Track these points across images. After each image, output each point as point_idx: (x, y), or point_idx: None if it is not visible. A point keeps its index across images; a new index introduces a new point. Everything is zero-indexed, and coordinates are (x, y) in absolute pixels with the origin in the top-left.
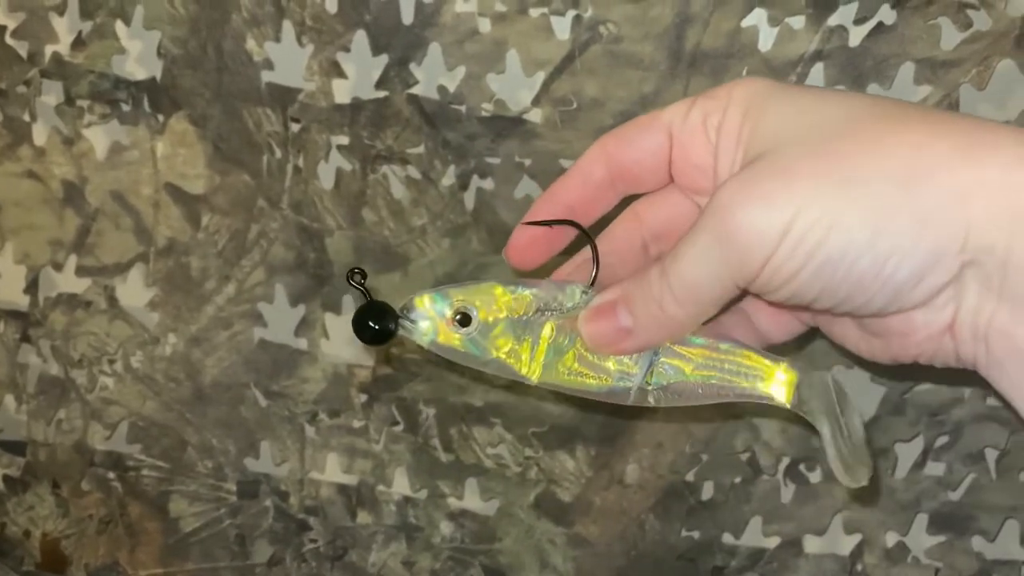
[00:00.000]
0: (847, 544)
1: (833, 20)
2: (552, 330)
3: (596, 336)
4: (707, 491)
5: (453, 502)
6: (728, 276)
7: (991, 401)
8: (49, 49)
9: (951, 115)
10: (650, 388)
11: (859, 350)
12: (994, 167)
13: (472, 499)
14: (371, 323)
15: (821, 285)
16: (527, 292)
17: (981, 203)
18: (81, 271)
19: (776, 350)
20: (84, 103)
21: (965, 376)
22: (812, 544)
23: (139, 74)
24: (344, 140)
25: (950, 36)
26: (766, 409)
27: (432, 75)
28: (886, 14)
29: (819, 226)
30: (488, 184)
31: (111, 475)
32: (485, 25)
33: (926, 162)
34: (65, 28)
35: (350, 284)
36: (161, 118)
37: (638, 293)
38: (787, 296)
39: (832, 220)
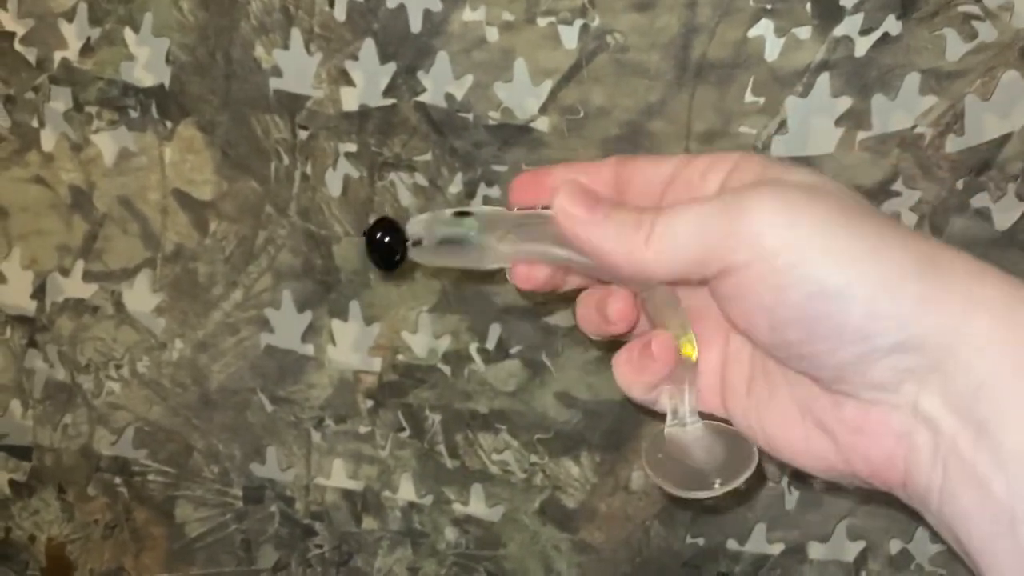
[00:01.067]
0: (851, 551)
1: (839, 30)
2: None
3: (568, 201)
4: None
5: (458, 508)
6: (710, 250)
7: None
8: (58, 55)
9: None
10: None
11: (795, 451)
12: (1001, 298)
13: (477, 505)
14: (381, 236)
15: (778, 315)
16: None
17: (984, 319)
18: (88, 276)
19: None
20: (92, 109)
21: None
22: (816, 551)
23: (147, 80)
24: (352, 147)
25: (955, 47)
26: None
27: (440, 83)
28: (892, 25)
29: (812, 263)
30: (495, 192)
31: (117, 480)
32: (493, 34)
33: (946, 257)
34: (74, 34)
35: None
36: (169, 124)
37: (626, 212)
38: (740, 312)
39: (830, 264)
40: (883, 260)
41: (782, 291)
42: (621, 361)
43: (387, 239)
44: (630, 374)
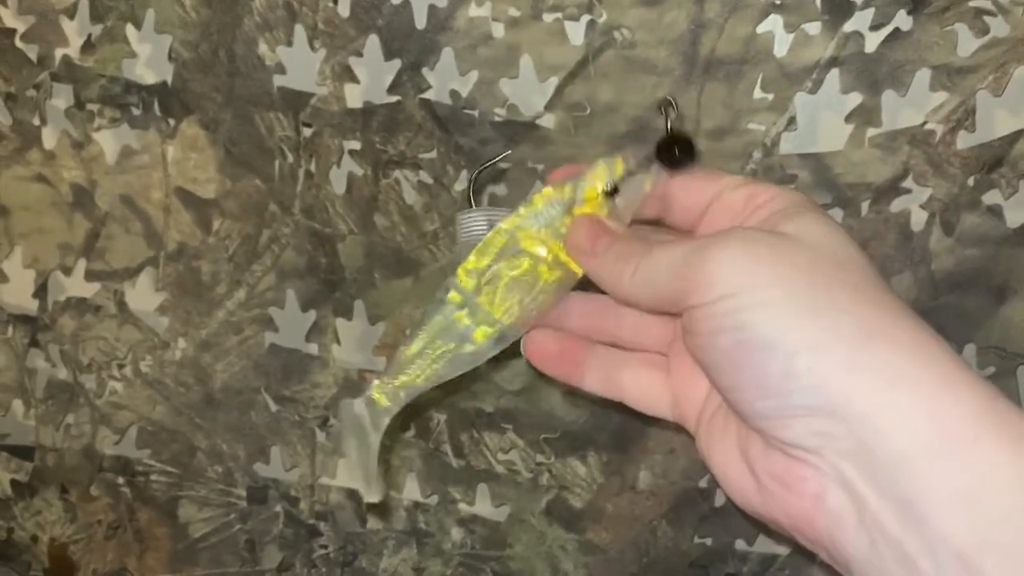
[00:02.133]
0: None
1: (849, 26)
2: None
3: (576, 235)
4: (720, 498)
5: (464, 508)
6: (675, 291)
7: None
8: (59, 52)
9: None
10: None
11: (731, 487)
12: (932, 375)
13: (483, 505)
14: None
15: (711, 356)
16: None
17: (906, 394)
18: (90, 275)
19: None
20: (94, 107)
21: None
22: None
23: (149, 78)
24: (356, 145)
25: (967, 42)
26: None
27: (445, 80)
28: (902, 20)
29: (750, 312)
30: (501, 190)
31: (120, 480)
32: (499, 30)
33: (894, 329)
34: (75, 31)
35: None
36: (172, 122)
37: (624, 244)
38: (692, 349)
39: (767, 316)
40: (821, 321)
41: (716, 334)
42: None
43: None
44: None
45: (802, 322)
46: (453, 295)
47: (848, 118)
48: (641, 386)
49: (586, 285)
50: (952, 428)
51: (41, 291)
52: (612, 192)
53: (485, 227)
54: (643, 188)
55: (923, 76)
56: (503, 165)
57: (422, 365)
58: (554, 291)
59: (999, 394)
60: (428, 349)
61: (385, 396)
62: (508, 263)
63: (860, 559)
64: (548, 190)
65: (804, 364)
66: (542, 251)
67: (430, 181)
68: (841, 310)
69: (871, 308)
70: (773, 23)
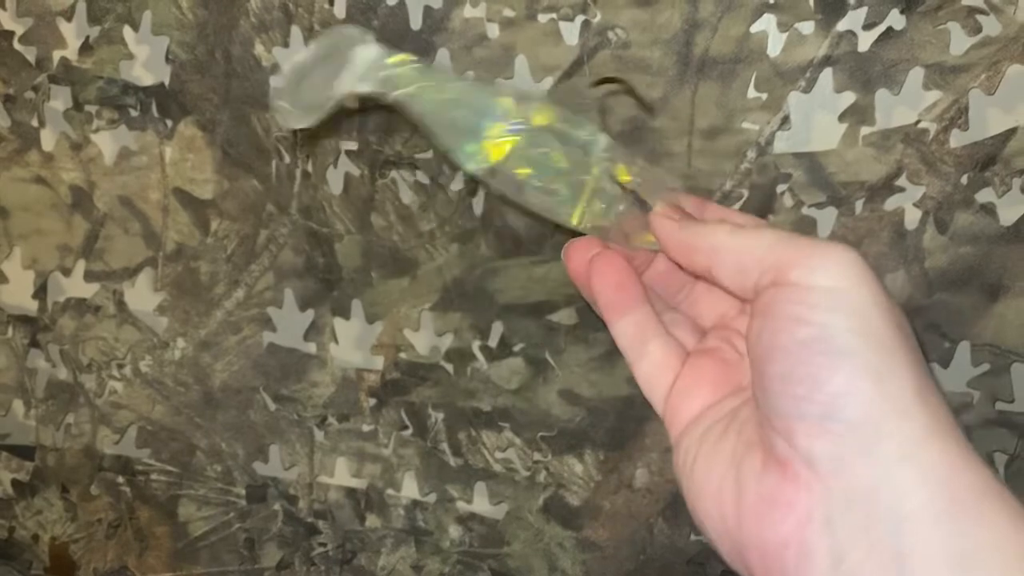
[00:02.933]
0: None
1: (842, 25)
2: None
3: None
4: None
5: (462, 506)
6: (775, 258)
7: (1000, 406)
8: (57, 54)
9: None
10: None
11: (700, 494)
12: (964, 449)
13: (481, 503)
14: None
15: (782, 339)
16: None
17: (932, 458)
18: (90, 276)
19: None
20: (92, 108)
21: (974, 381)
22: None
23: (147, 79)
24: (353, 145)
25: (959, 41)
26: None
27: None
28: (895, 19)
29: (843, 317)
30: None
31: (120, 479)
32: (494, 30)
33: (935, 399)
34: (73, 33)
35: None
36: (169, 123)
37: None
38: (758, 328)
39: (855, 329)
40: (891, 359)
41: (798, 323)
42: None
43: None
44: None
45: (881, 351)
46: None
47: (842, 117)
48: (657, 362)
49: None
50: (961, 496)
51: (41, 292)
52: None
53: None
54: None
55: (916, 75)
56: None
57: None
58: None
59: (1002, 481)
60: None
61: (399, 73)
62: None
63: None
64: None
65: (866, 387)
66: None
67: (426, 181)
68: (908, 359)
69: (924, 373)
70: (767, 22)
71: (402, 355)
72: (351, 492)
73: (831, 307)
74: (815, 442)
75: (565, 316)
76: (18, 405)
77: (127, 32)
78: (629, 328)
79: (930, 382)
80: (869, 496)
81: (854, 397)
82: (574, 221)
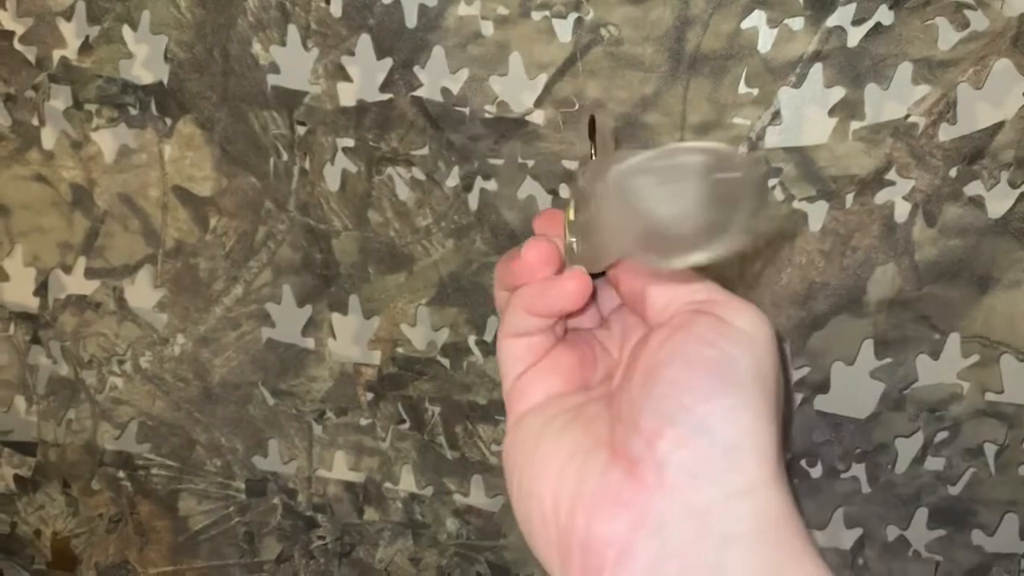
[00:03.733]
0: (848, 538)
1: (831, 21)
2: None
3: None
4: None
5: (459, 499)
6: (693, 290)
7: (990, 396)
8: (57, 54)
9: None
10: None
11: (537, 476)
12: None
13: (478, 495)
14: None
15: (694, 349)
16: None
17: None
18: (90, 273)
19: None
20: (92, 107)
21: (964, 372)
22: (814, 538)
23: (146, 78)
24: (350, 142)
25: (947, 36)
26: None
27: (436, 78)
28: (884, 15)
29: (752, 354)
30: (492, 185)
31: (121, 474)
32: (488, 28)
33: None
34: (73, 33)
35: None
36: (168, 121)
37: None
38: (675, 325)
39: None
40: (770, 406)
41: (712, 345)
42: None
43: None
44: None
45: (764, 397)
46: None
47: (832, 112)
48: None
49: None
50: (780, 529)
51: (42, 289)
52: None
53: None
54: None
55: (905, 70)
56: (494, 161)
57: None
58: None
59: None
60: None
61: None
62: None
63: None
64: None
65: (745, 422)
66: None
67: (422, 177)
68: (775, 418)
69: (779, 431)
70: (757, 19)
71: (399, 350)
72: (349, 485)
73: (741, 345)
74: (677, 451)
75: None
76: (20, 401)
77: (126, 31)
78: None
79: (781, 436)
80: (705, 515)
81: (731, 424)
82: None
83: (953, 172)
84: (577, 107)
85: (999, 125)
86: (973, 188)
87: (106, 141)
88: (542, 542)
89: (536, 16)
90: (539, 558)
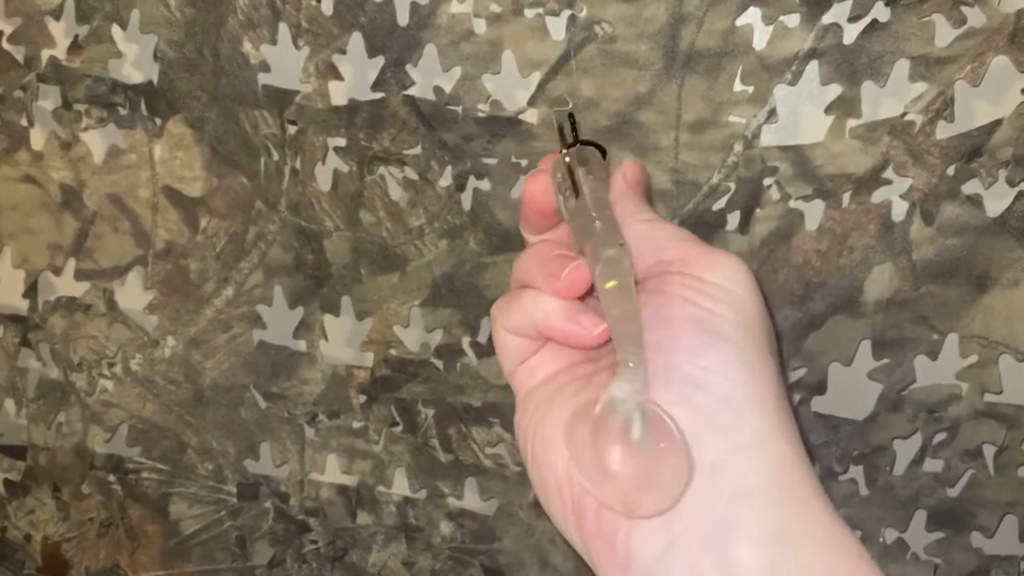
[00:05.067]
0: None
1: (827, 18)
2: None
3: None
4: None
5: (453, 502)
6: (676, 247)
7: (988, 397)
8: (46, 53)
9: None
10: None
11: (543, 460)
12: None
13: (472, 499)
14: None
15: (675, 307)
16: None
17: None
18: (80, 275)
19: None
20: (81, 107)
21: (962, 373)
22: None
23: (136, 78)
24: (341, 142)
25: (944, 33)
26: None
27: (428, 76)
28: (880, 11)
29: (739, 314)
30: (485, 185)
31: (111, 478)
32: (480, 26)
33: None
34: (61, 32)
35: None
36: (158, 121)
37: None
38: (661, 299)
39: (740, 314)
40: (761, 354)
41: (689, 303)
42: (514, 297)
43: None
44: (527, 301)
45: (754, 346)
46: None
47: (828, 109)
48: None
49: None
50: (790, 484)
51: (31, 291)
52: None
53: None
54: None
55: (902, 67)
56: (488, 160)
57: None
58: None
59: (816, 474)
60: None
61: None
62: None
63: (648, 557)
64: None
65: (737, 373)
66: None
67: (415, 177)
68: (772, 365)
69: (780, 379)
70: (752, 16)
71: (392, 351)
72: (342, 489)
73: (721, 299)
74: (675, 410)
75: None
76: (9, 404)
77: (115, 31)
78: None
79: (783, 388)
80: (712, 471)
81: (725, 377)
82: None
83: (951, 170)
84: (571, 105)
85: (997, 123)
86: (971, 186)
87: (95, 141)
88: (557, 506)
89: (529, 14)
90: (555, 522)
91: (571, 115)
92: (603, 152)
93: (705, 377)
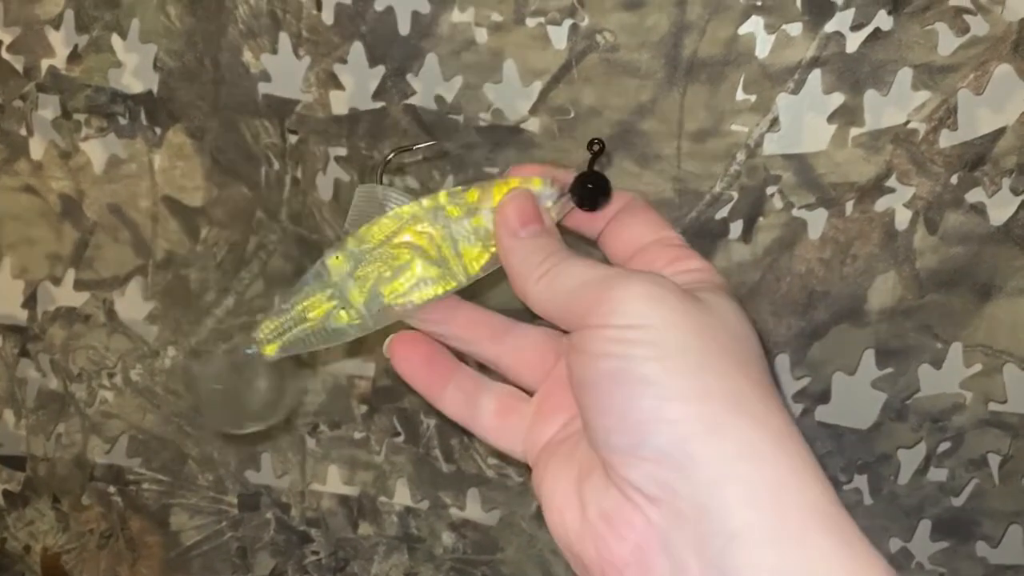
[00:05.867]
0: None
1: (830, 26)
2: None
3: (511, 207)
4: None
5: (455, 512)
6: (578, 308)
7: (993, 406)
8: (45, 63)
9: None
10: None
11: (553, 507)
12: (796, 468)
13: (474, 509)
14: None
15: (589, 375)
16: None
17: (751, 472)
18: (80, 285)
19: None
20: (81, 117)
21: (966, 382)
22: None
23: (136, 87)
24: (342, 151)
25: (947, 41)
26: None
27: (429, 85)
28: (883, 20)
29: (641, 347)
30: None
31: (111, 489)
32: (482, 35)
33: (761, 407)
34: (61, 42)
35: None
36: (158, 131)
37: (547, 241)
38: (571, 365)
39: (653, 356)
40: (701, 379)
41: (602, 357)
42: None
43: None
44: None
45: (684, 375)
46: (326, 273)
47: (831, 118)
48: (497, 412)
49: (467, 294)
50: (788, 516)
51: (31, 301)
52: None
53: (378, 207)
54: (549, 211)
55: (905, 75)
56: (489, 169)
57: (290, 324)
58: (430, 290)
59: (837, 499)
60: (297, 314)
61: (266, 343)
62: (389, 251)
63: None
64: (458, 189)
65: (673, 412)
66: (428, 247)
67: (416, 186)
68: (723, 375)
69: (749, 385)
70: (754, 24)
71: None
72: (344, 499)
73: (628, 340)
74: (632, 472)
75: None
76: (8, 415)
77: (115, 40)
78: (455, 396)
79: (759, 393)
80: (698, 516)
81: (659, 424)
82: (473, 271)
83: (954, 179)
84: (572, 115)
85: (1000, 131)
86: (975, 195)
87: (95, 151)
88: (573, 566)
89: (531, 23)
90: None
91: (600, 142)
92: (606, 187)
93: (640, 432)
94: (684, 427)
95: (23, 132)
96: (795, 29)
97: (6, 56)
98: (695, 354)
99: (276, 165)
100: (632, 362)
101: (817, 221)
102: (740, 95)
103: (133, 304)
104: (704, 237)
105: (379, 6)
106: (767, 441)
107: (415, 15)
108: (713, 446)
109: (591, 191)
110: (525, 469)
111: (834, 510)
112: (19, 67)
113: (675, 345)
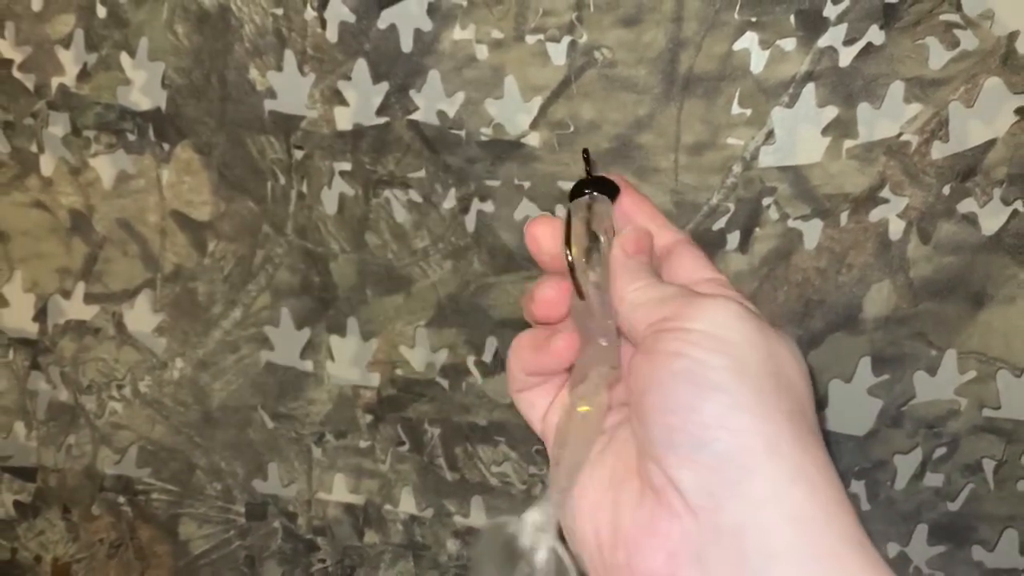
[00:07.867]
0: None
1: (823, 41)
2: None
3: (633, 235)
4: None
5: (459, 520)
6: (662, 311)
7: (987, 412)
8: (55, 81)
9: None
10: None
11: (583, 511)
12: (836, 500)
13: (478, 517)
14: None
15: (659, 373)
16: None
17: (800, 496)
18: (89, 298)
19: None
20: (90, 133)
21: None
22: None
23: (144, 104)
24: (346, 166)
25: (938, 55)
26: None
27: (432, 101)
28: (875, 35)
29: (727, 359)
30: (488, 207)
31: (121, 499)
32: (483, 52)
33: (812, 439)
34: (71, 60)
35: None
36: (166, 147)
37: (651, 266)
38: (638, 361)
39: (730, 367)
40: (766, 398)
41: (677, 356)
42: (524, 338)
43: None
44: (526, 349)
45: (754, 391)
46: None
47: (825, 131)
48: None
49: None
50: (825, 540)
51: (41, 315)
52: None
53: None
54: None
55: (897, 89)
56: (491, 183)
57: None
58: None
59: (861, 525)
60: None
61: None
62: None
63: None
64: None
65: (739, 422)
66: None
67: (419, 199)
68: (785, 400)
69: (802, 416)
70: (749, 40)
71: (398, 371)
72: (349, 508)
73: (707, 347)
74: (685, 473)
75: None
76: (19, 427)
77: (124, 58)
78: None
79: (807, 426)
80: (738, 533)
81: (724, 431)
82: None
83: (946, 189)
84: (572, 129)
85: (991, 143)
86: (966, 205)
87: (104, 167)
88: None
89: (530, 39)
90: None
91: (585, 151)
92: (615, 188)
93: (704, 434)
94: (747, 439)
95: (34, 149)
96: (789, 44)
97: (17, 75)
98: (766, 376)
99: (282, 180)
100: (707, 367)
101: (812, 232)
102: (736, 109)
103: (142, 317)
104: (702, 248)
105: (382, 24)
106: (816, 469)
107: (417, 33)
108: (771, 465)
109: (594, 184)
110: (528, 477)
111: (860, 535)
112: (30, 85)
113: (750, 361)
